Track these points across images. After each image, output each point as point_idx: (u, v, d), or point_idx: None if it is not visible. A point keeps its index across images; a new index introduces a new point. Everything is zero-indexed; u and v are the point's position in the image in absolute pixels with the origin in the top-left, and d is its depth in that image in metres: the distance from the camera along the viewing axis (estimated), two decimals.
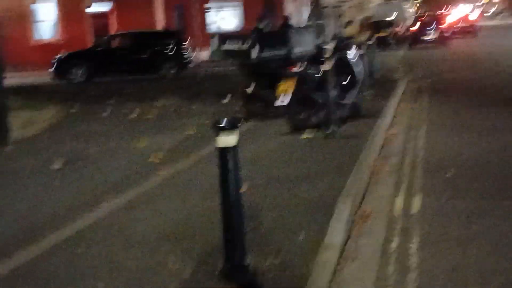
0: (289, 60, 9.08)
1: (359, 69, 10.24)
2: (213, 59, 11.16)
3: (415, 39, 32.35)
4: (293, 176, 6.75)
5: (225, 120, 4.04)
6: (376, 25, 33.20)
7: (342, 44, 10.20)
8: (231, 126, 4.00)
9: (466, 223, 5.23)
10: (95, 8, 29.69)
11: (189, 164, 7.73)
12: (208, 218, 5.29)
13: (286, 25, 26.70)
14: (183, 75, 22.24)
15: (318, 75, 8.92)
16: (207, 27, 31.72)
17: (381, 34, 31.69)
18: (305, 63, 9.48)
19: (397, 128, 9.85)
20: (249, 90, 10.79)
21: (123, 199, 6.26)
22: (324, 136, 8.70)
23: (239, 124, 4.17)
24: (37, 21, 30.15)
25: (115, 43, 23.01)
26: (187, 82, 19.56)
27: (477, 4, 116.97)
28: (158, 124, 11.29)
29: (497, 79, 15.72)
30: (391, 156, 7.96)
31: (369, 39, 18.72)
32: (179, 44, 22.46)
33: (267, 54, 9.17)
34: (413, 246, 4.77)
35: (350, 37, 12.45)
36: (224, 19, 32.52)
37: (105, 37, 23.90)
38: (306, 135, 8.99)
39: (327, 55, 8.64)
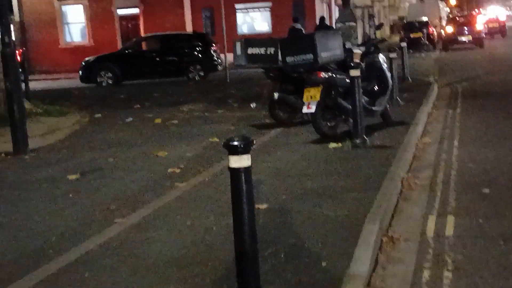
0: (316, 65, 8.67)
1: (389, 74, 9.79)
2: (237, 64, 10.72)
3: (449, 40, 31.63)
4: (318, 191, 6.35)
5: (237, 139, 3.69)
6: (409, 26, 32.58)
7: (373, 48, 9.76)
8: (244, 147, 3.64)
9: (504, 249, 4.79)
10: (124, 10, 29.61)
11: (210, 176, 7.38)
12: (224, 238, 4.94)
13: (322, 26, 26.27)
14: (211, 78, 22.00)
15: (347, 81, 8.50)
16: (237, 29, 31.41)
17: (414, 35, 31.12)
18: (333, 68, 9.07)
19: (429, 137, 9.39)
20: (276, 95, 10.42)
21: (137, 215, 5.94)
22: (353, 146, 8.29)
23: (253, 146, 3.79)
24: (66, 24, 30.21)
25: (143, 46, 22.85)
26: (215, 86, 19.27)
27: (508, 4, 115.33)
28: (182, 130, 10.98)
29: None
30: (422, 170, 7.53)
31: (401, 41, 18.20)
32: (207, 46, 22.20)
33: (292, 58, 8.78)
34: (448, 275, 4.35)
35: (382, 40, 11.97)
36: (254, 20, 32.17)
37: (133, 40, 23.74)
38: (334, 144, 8.59)
39: (356, 60, 8.22)
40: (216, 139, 9.75)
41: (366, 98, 9.36)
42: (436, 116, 11.24)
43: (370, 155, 7.93)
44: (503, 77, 16.79)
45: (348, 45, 9.78)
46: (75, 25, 30.24)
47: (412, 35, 30.96)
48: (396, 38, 33.16)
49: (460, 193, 6.37)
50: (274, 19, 31.04)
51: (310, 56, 8.72)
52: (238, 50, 10.46)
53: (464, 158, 7.89)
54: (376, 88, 9.65)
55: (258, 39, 12.53)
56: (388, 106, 10.02)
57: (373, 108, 9.40)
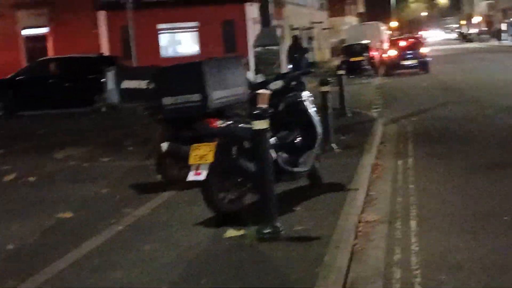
0: (204, 110, 5.73)
1: (317, 119, 6.92)
2: (109, 102, 7.69)
3: (393, 65, 29.24)
4: None
5: None
6: (349, 49, 30.09)
7: (295, 83, 6.87)
8: None
9: None
10: (31, 30, 26.21)
11: None
12: None
13: (298, 47, 23.27)
14: (124, 110, 18.63)
15: (263, 128, 5.53)
16: (160, 51, 28.30)
17: (355, 59, 28.66)
18: (235, 113, 6.15)
19: (375, 212, 6.54)
20: (165, 146, 7.40)
21: None
22: (258, 237, 5.35)
23: None
24: None
25: (40, 71, 19.43)
26: (121, 120, 16.01)
27: (454, 26, 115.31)
28: (32, 195, 7.88)
29: (493, 119, 12.47)
30: (364, 279, 4.66)
31: (339, 67, 15.42)
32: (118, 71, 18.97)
33: (171, 100, 5.83)
34: None
35: (312, 64, 9.09)
36: (180, 42, 29.07)
37: (29, 64, 20.31)
38: (232, 232, 5.65)
39: (261, 104, 5.34)
40: (68, 214, 6.72)
41: (284, 156, 6.48)
42: (382, 172, 8.42)
43: (286, 253, 5.02)
44: (460, 110, 14.15)
45: (259, 78, 6.84)
46: None
47: (352, 59, 28.46)
48: (336, 62, 30.61)
49: None
50: (203, 40, 28.07)
51: (196, 97, 5.77)
52: (110, 83, 7.44)
53: (430, 261, 5.04)
54: (300, 140, 6.77)
55: (134, 67, 9.48)
56: (317, 163, 7.15)
57: (295, 169, 6.51)
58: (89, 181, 8.59)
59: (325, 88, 9.38)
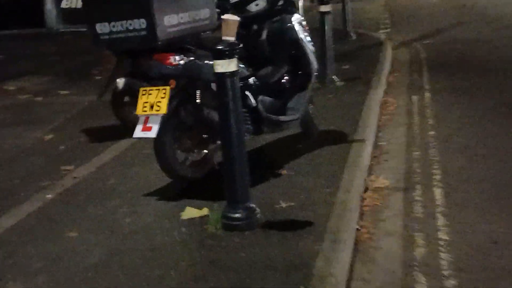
0: (154, 42, 4.09)
1: (312, 49, 5.26)
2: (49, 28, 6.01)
3: None
4: None
5: None
6: None
7: (281, 2, 5.16)
8: None
9: None
10: None
11: None
12: None
13: None
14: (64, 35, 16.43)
15: (228, 71, 3.85)
16: None
17: None
18: (197, 46, 4.49)
19: (385, 175, 4.99)
20: (120, 83, 5.77)
21: None
22: (225, 223, 3.83)
23: None
24: None
25: None
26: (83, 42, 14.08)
27: None
28: None
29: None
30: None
31: None
32: None
33: (108, 28, 4.18)
34: None
35: None
36: None
37: None
38: (192, 212, 4.13)
39: (227, 36, 3.68)
40: None
41: (268, 100, 4.88)
42: (393, 112, 6.84)
43: (257, 255, 3.49)
44: (479, 32, 12.36)
45: None
46: None
47: None
48: None
49: None
50: None
51: (140, 23, 4.11)
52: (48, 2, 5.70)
53: (468, 261, 3.53)
54: (288, 78, 5.14)
55: None
56: (311, 107, 5.56)
57: (282, 118, 4.92)
58: (34, 122, 7.03)
59: (325, 8, 7.65)
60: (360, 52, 10.37)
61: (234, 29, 3.68)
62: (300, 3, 5.84)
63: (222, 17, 3.75)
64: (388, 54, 10.00)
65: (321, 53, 7.47)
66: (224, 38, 3.68)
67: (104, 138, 6.14)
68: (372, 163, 5.20)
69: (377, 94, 7.25)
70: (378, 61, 9.31)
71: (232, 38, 3.69)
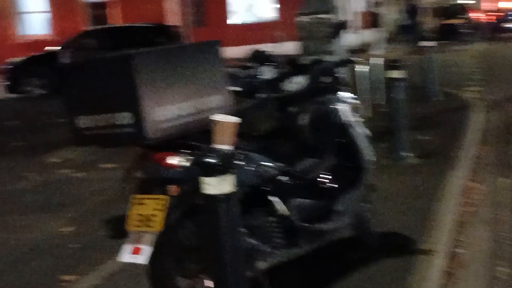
0: (143, 142, 3.15)
1: (365, 137, 4.16)
2: None
3: (495, 27, 25.38)
4: None
5: None
6: (443, 10, 26.41)
7: (328, 78, 4.11)
8: None
9: None
10: None
11: None
12: None
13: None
14: None
15: (221, 193, 2.83)
16: (227, 19, 25.70)
17: (449, 21, 25.09)
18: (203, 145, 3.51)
19: None
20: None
21: None
22: None
23: None
24: (22, 13, 24.94)
25: (87, 43, 17.30)
26: None
27: None
28: None
29: None
30: None
31: (431, 37, 12.20)
32: (171, 42, 16.63)
33: (87, 122, 3.27)
34: None
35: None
36: (252, 7, 26.20)
37: (75, 36, 18.16)
38: None
39: (223, 136, 2.68)
40: None
41: (305, 203, 3.83)
42: (478, 202, 5.57)
43: None
44: None
45: (266, 71, 4.02)
46: (35, 14, 25.05)
47: (445, 22, 24.87)
48: (430, 25, 27.02)
49: None
50: (282, 1, 25.20)
51: (125, 118, 3.17)
52: None
53: None
54: (333, 174, 4.06)
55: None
56: (366, 207, 4.42)
57: (324, 227, 3.83)
58: (66, 205, 6.24)
59: (394, 74, 6.50)
60: (444, 117, 9.12)
61: (231, 134, 2.67)
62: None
63: (214, 118, 2.75)
64: (478, 120, 8.69)
65: (389, 121, 6.40)
66: (217, 146, 2.68)
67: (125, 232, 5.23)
68: (444, 282, 4.00)
69: (459, 178, 6.01)
70: (466, 130, 8.04)
71: (228, 147, 2.68)
